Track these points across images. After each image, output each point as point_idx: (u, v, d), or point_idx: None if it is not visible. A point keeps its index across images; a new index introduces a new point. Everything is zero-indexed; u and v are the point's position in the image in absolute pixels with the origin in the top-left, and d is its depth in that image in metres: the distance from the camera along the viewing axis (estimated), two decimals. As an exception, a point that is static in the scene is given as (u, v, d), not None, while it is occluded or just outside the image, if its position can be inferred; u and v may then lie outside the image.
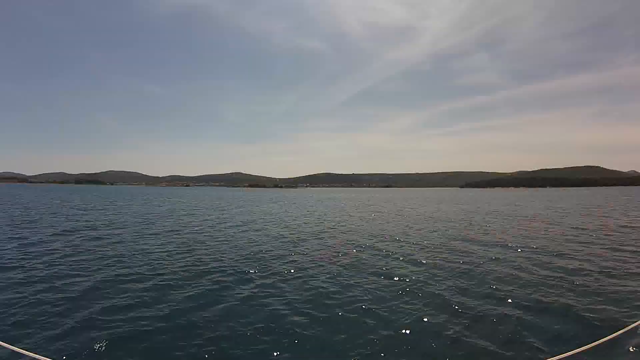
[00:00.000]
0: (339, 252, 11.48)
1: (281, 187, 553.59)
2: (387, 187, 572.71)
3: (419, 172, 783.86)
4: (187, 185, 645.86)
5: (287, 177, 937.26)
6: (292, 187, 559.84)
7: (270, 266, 9.34)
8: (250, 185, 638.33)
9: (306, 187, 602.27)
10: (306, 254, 11.14)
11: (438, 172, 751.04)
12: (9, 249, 11.40)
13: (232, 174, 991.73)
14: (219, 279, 8.12)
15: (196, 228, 17.70)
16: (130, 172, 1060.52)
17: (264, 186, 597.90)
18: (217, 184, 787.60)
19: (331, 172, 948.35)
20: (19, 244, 12.01)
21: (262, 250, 11.56)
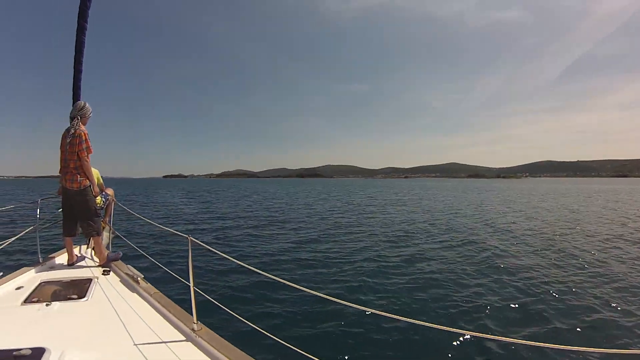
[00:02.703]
0: None
1: (504, 177, 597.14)
2: (622, 176, 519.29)
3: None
4: (405, 177, 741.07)
5: (503, 166, 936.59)
6: (513, 177, 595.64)
7: None
8: (469, 176, 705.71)
9: (526, 177, 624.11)
10: None
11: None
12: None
13: (448, 164, 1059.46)
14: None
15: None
16: (346, 165, 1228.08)
17: (484, 176, 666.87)
18: (433, 175, 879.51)
19: (552, 159, 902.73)
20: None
21: None
